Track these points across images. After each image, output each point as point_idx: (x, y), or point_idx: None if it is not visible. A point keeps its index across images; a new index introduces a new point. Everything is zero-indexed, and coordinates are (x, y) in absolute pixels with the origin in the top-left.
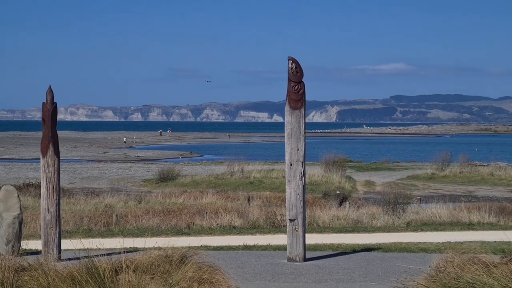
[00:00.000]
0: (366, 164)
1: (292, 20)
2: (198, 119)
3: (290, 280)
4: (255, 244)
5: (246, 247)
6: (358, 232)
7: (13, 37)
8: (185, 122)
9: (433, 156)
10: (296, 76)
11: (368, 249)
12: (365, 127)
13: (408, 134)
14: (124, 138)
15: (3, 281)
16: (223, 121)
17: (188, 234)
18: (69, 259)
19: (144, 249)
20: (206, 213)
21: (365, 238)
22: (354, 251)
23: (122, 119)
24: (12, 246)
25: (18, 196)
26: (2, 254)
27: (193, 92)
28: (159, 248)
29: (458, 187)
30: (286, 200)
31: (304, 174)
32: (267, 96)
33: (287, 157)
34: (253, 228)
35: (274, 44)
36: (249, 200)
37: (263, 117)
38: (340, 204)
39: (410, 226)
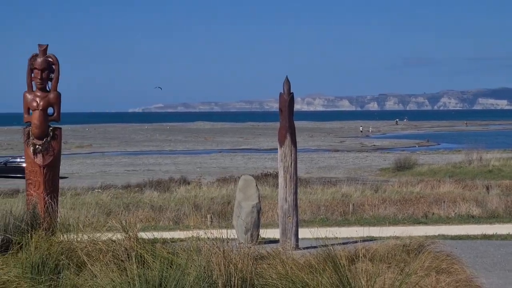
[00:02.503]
0: None
1: None
2: (435, 108)
3: None
4: (494, 233)
5: (485, 237)
6: None
7: (245, 30)
8: (422, 110)
9: None
10: None
11: None
12: None
13: None
14: (360, 128)
15: (243, 268)
16: (460, 109)
17: (425, 223)
18: (307, 247)
19: (381, 238)
20: (444, 202)
21: None
22: None
23: (358, 109)
24: (251, 235)
25: (256, 185)
26: (242, 242)
27: (429, 80)
28: (396, 237)
29: None
30: None
31: None
32: (506, 82)
33: None
34: (492, 217)
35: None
36: (487, 188)
37: (502, 104)
38: None
39: None
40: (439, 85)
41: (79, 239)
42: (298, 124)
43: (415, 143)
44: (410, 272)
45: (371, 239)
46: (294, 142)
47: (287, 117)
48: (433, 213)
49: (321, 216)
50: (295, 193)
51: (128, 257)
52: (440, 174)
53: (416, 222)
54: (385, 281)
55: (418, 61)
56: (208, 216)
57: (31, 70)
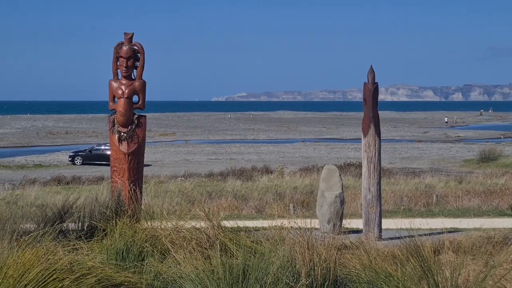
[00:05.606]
0: None
1: None
2: None
3: None
4: None
5: None
6: None
7: (328, 19)
8: (507, 101)
9: None
10: None
11: None
12: None
13: None
14: (445, 118)
15: (327, 258)
16: None
17: (510, 216)
18: (390, 238)
19: (465, 229)
20: None
21: None
22: None
23: (443, 99)
24: (334, 225)
25: (339, 175)
26: (325, 232)
27: None
28: (480, 229)
29: None
30: None
31: None
32: None
33: None
34: None
35: None
36: None
37: None
38: None
39: None
40: None
41: (163, 227)
42: (381, 114)
43: (500, 134)
44: (495, 264)
45: (455, 230)
46: (378, 132)
47: (371, 107)
48: None
49: (404, 207)
50: (379, 183)
51: (212, 245)
52: None
53: (501, 214)
54: (470, 273)
55: (504, 51)
56: (291, 205)
57: (116, 58)
